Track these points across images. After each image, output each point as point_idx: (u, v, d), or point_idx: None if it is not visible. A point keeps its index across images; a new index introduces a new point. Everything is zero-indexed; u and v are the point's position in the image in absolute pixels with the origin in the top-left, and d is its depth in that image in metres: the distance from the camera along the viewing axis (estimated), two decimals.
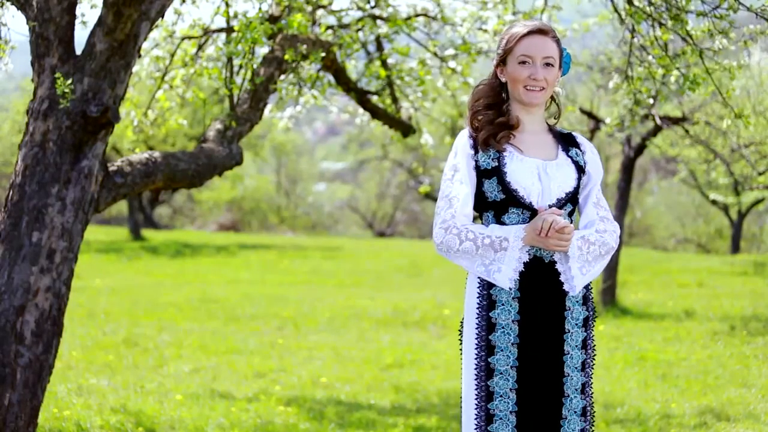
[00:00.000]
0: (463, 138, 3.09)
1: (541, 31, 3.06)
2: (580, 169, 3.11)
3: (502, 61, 3.11)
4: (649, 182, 32.57)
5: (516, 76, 3.06)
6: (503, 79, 3.12)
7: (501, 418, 3.00)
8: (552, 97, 3.18)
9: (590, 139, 12.50)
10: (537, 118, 3.13)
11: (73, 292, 6.01)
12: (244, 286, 14.53)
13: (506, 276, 2.99)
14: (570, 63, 3.15)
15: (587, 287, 3.12)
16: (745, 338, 8.93)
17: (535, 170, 3.04)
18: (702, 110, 11.04)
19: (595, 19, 7.92)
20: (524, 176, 3.02)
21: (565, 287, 3.04)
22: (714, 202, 24.28)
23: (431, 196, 29.50)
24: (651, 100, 5.63)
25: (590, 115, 12.07)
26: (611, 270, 11.51)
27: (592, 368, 3.12)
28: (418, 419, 6.00)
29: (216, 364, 7.80)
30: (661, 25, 4.97)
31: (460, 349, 3.11)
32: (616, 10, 5.26)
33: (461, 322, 3.14)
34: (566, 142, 3.16)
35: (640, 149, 11.71)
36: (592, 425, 3.10)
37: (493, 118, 3.08)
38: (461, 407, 3.11)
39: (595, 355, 3.15)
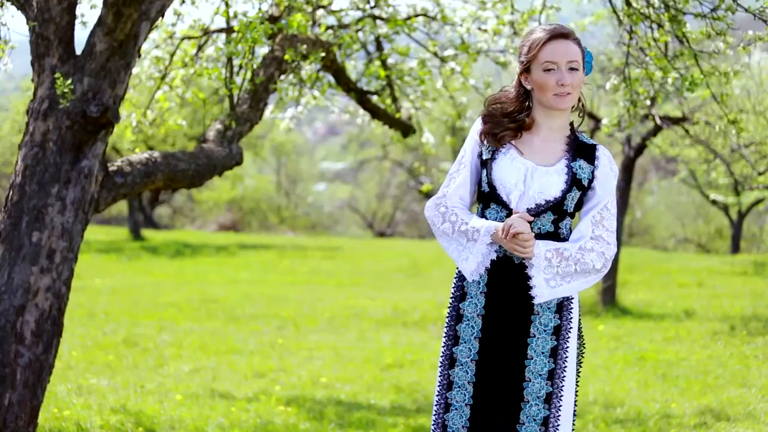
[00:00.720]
0: (477, 125, 3.15)
1: (562, 35, 3.04)
2: (576, 183, 3.05)
3: (526, 69, 3.08)
4: (649, 182, 32.57)
5: (543, 83, 3.03)
6: (528, 87, 3.10)
7: (456, 409, 3.05)
8: (579, 99, 3.15)
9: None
10: (559, 123, 3.09)
11: (73, 292, 6.01)
12: (244, 286, 14.53)
13: (471, 266, 3.06)
14: (592, 62, 3.13)
15: (568, 298, 3.07)
16: (745, 338, 8.93)
17: (522, 172, 3.03)
18: (702, 110, 11.04)
19: (591, 18, 7.91)
20: (509, 175, 3.04)
21: (533, 291, 3.03)
22: (714, 202, 24.28)
23: (431, 197, 29.47)
24: (648, 102, 5.62)
25: (590, 115, 12.07)
26: (611, 270, 11.50)
27: (563, 380, 3.03)
28: (418, 419, 6.00)
29: (216, 364, 7.80)
30: (659, 26, 4.97)
31: None
32: (614, 11, 5.26)
33: None
34: (581, 152, 3.09)
35: (640, 149, 11.71)
36: (558, 411, 3.02)
37: (506, 113, 3.10)
38: None
39: (566, 366, 3.04)
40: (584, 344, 3.18)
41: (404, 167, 31.66)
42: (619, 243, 11.80)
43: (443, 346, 3.11)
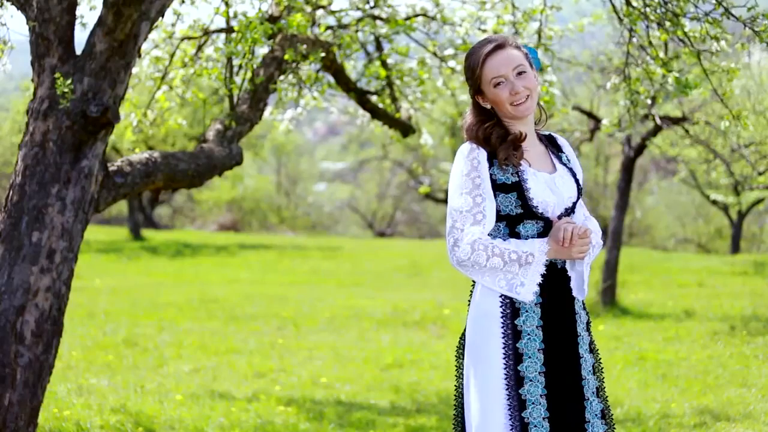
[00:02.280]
0: (478, 151, 3.01)
1: (499, 47, 3.02)
2: (574, 175, 3.14)
3: (478, 92, 3.07)
4: (649, 182, 32.57)
5: (497, 99, 3.02)
6: (487, 106, 3.08)
7: (536, 426, 2.95)
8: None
9: (590, 139, 12.51)
10: (529, 126, 3.10)
11: (73, 292, 6.01)
12: (244, 286, 14.54)
13: (530, 290, 2.98)
14: (537, 56, 3.11)
15: None
16: (745, 338, 8.93)
17: (546, 184, 3.04)
18: (702, 110, 11.04)
19: (590, 18, 7.92)
20: (541, 191, 3.01)
21: (575, 292, 3.05)
22: (714, 202, 24.28)
23: (431, 197, 29.51)
24: (649, 101, 5.62)
25: (590, 115, 12.07)
26: (611, 270, 11.51)
27: (602, 372, 3.13)
28: (418, 419, 6.00)
29: (216, 364, 7.80)
30: (658, 26, 4.97)
31: (460, 362, 3.09)
32: (615, 11, 5.26)
33: (462, 335, 3.12)
34: (554, 147, 3.19)
35: (640, 149, 11.71)
36: (613, 428, 3.09)
37: (505, 134, 3.04)
38: (461, 419, 3.08)
39: (600, 357, 3.16)
40: None
41: (404, 167, 31.66)
42: (619, 243, 11.81)
43: (504, 367, 2.98)
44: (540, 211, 3.00)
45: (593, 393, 3.05)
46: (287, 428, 5.66)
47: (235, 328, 9.94)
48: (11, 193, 4.30)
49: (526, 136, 3.06)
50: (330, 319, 10.76)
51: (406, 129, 6.98)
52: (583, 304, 3.13)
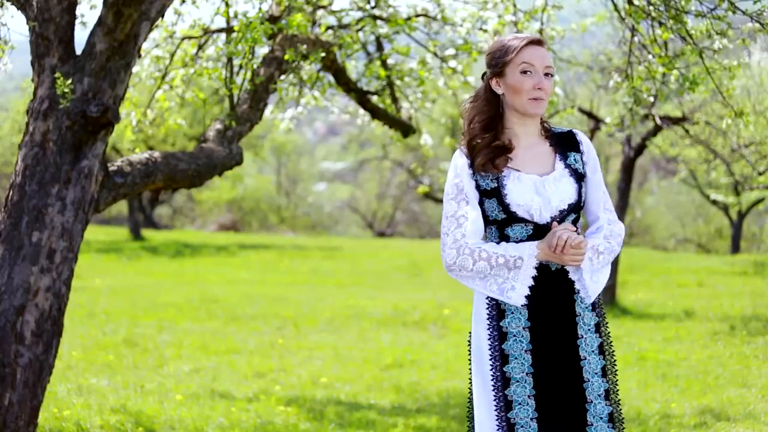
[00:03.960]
0: (461, 158, 3.07)
1: (539, 42, 3.05)
2: (580, 177, 3.08)
3: (498, 73, 3.07)
4: (649, 182, 32.57)
5: (519, 86, 3.02)
6: (500, 91, 3.08)
7: (522, 426, 2.97)
8: None
9: (590, 140, 12.50)
10: (533, 128, 3.10)
11: (73, 292, 6.01)
12: (244, 286, 14.53)
13: (520, 294, 2.99)
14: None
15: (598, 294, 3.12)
16: (745, 338, 8.93)
17: (532, 187, 3.02)
18: (702, 110, 11.04)
19: (593, 18, 7.92)
20: (522, 195, 3.01)
21: (581, 294, 3.04)
22: (714, 202, 24.28)
23: (431, 197, 29.52)
24: (651, 99, 5.62)
25: (590, 115, 12.07)
26: (611, 270, 11.49)
27: (615, 374, 3.08)
28: (418, 419, 6.00)
29: (216, 364, 7.80)
30: (660, 24, 4.97)
31: (470, 361, 3.11)
32: (616, 9, 5.26)
33: (470, 334, 3.13)
34: (565, 145, 3.11)
35: (640, 149, 11.71)
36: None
37: (489, 142, 3.05)
38: (472, 416, 3.11)
39: (614, 360, 3.11)
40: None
41: (404, 167, 31.66)
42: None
43: (491, 368, 3.02)
44: (521, 215, 3.00)
45: (599, 395, 3.01)
46: (287, 428, 5.65)
47: (235, 328, 9.94)
48: (11, 193, 4.30)
49: (512, 143, 3.06)
50: (330, 319, 10.76)
51: (406, 129, 6.98)
52: (593, 304, 3.08)
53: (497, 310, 3.02)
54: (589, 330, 3.05)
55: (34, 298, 4.22)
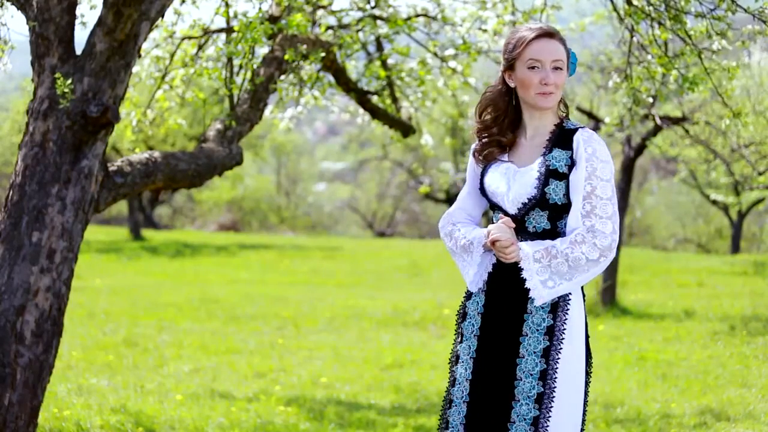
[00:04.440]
0: (472, 147, 3.26)
1: (548, 35, 3.05)
2: (554, 174, 3.00)
3: (510, 66, 3.09)
4: (649, 182, 32.57)
5: (526, 81, 3.04)
6: (512, 84, 3.11)
7: (456, 405, 3.09)
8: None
9: None
10: (544, 121, 3.11)
11: (73, 292, 6.00)
12: (244, 286, 14.53)
13: (470, 278, 3.15)
14: (576, 63, 3.14)
15: (563, 298, 3.01)
16: (745, 338, 8.93)
17: (504, 175, 3.11)
18: (702, 110, 11.04)
19: (592, 18, 7.92)
20: (494, 181, 3.14)
21: (531, 293, 3.01)
22: (714, 202, 24.28)
23: (431, 197, 29.52)
24: (651, 99, 5.62)
25: (590, 115, 12.07)
26: (611, 270, 11.50)
27: (554, 380, 2.97)
28: (418, 419, 6.00)
29: (216, 364, 7.80)
30: (660, 24, 4.97)
31: None
32: (615, 10, 5.26)
33: None
34: (558, 141, 3.05)
35: (640, 149, 11.71)
36: (548, 412, 2.96)
37: (494, 134, 3.16)
38: None
39: (557, 368, 2.97)
40: (590, 353, 3.10)
41: (404, 167, 31.66)
42: (620, 243, 11.80)
43: (453, 344, 3.19)
44: (495, 201, 3.13)
45: (528, 397, 2.97)
46: (287, 428, 5.65)
47: (235, 328, 9.94)
48: (11, 193, 4.30)
49: (513, 140, 3.14)
50: (330, 319, 10.76)
51: (406, 129, 6.98)
52: (554, 307, 3.00)
53: (467, 292, 3.18)
54: (536, 331, 3.00)
55: (34, 298, 4.22)
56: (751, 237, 29.79)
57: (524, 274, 3.01)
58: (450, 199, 28.12)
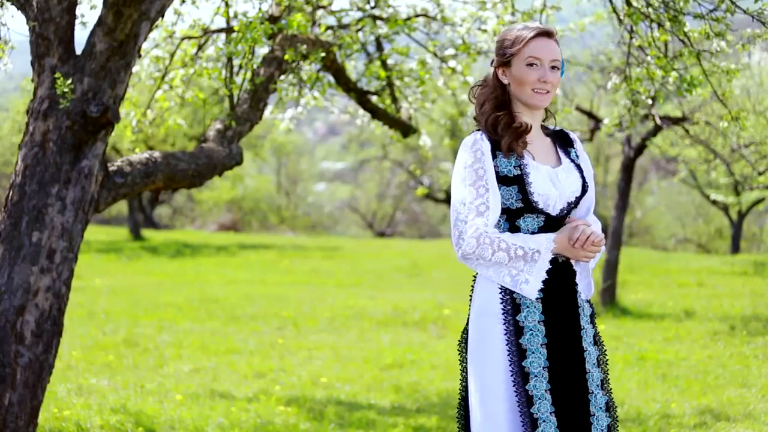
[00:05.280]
0: (482, 143, 3.00)
1: (547, 34, 3.05)
2: (581, 172, 3.13)
3: (505, 63, 3.07)
4: (649, 182, 32.57)
5: (524, 78, 3.02)
6: (505, 81, 3.08)
7: (544, 421, 2.94)
8: None
9: (590, 139, 12.51)
10: (536, 121, 3.11)
11: (73, 292, 6.01)
12: (244, 286, 14.53)
13: (534, 287, 2.97)
14: (565, 65, 3.15)
15: (591, 304, 3.18)
16: (745, 338, 8.93)
17: (548, 177, 3.03)
18: (702, 110, 11.04)
19: (592, 18, 7.91)
20: (542, 184, 3.00)
21: (581, 289, 3.07)
22: (714, 202, 24.28)
23: (431, 197, 29.50)
24: (650, 101, 5.62)
25: (590, 115, 12.07)
26: (611, 270, 11.51)
27: (607, 364, 3.12)
28: (418, 419, 6.00)
29: (216, 364, 7.80)
30: (659, 26, 4.97)
31: (462, 360, 3.11)
32: (614, 11, 5.26)
33: (464, 330, 3.13)
34: (562, 142, 3.17)
35: (640, 149, 11.71)
36: (616, 421, 3.08)
37: (510, 122, 3.03)
38: (462, 415, 3.11)
39: (605, 350, 3.16)
40: None
41: (404, 167, 31.66)
42: (619, 243, 11.81)
43: (509, 363, 2.97)
44: (540, 205, 2.99)
45: (597, 386, 3.05)
46: (287, 428, 5.66)
47: (235, 328, 9.94)
48: (11, 193, 4.30)
49: (531, 127, 3.05)
50: (330, 319, 10.76)
51: (406, 129, 6.98)
52: (593, 314, 3.15)
53: (512, 305, 2.98)
54: (587, 321, 3.09)
55: (34, 298, 4.22)
56: (751, 237, 29.79)
57: (584, 269, 3.08)
58: (450, 199, 28.08)
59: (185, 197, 34.93)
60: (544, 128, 3.17)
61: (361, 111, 7.29)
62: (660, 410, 6.15)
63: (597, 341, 3.11)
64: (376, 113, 6.79)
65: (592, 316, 3.13)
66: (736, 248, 24.74)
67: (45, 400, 5.15)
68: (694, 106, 11.06)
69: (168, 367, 7.58)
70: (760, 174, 12.05)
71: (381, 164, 34.29)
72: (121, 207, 29.56)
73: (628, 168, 11.73)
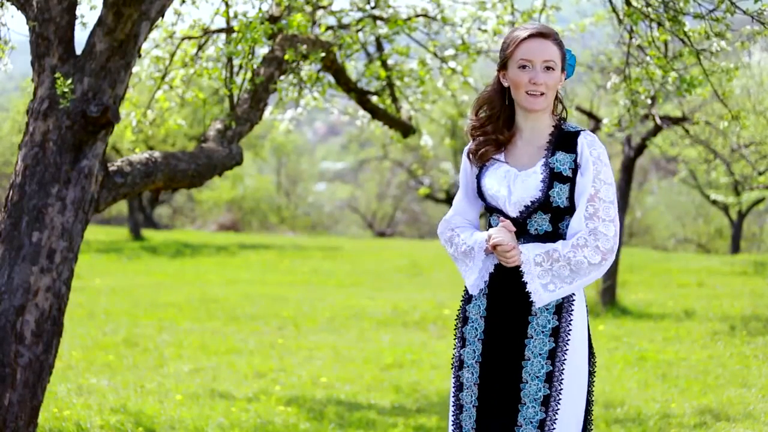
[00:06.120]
0: (466, 150, 3.22)
1: (541, 35, 3.02)
2: (557, 177, 3.00)
3: (504, 66, 3.09)
4: (649, 182, 32.57)
5: (517, 80, 3.03)
6: (506, 84, 3.10)
7: (467, 410, 3.08)
8: (556, 97, 3.10)
9: None
10: (539, 123, 3.08)
11: (73, 292, 6.01)
12: (244, 286, 14.53)
13: (471, 283, 3.13)
14: (575, 65, 3.11)
15: (567, 299, 3.02)
16: (745, 338, 8.93)
17: (504, 178, 3.07)
18: (702, 110, 11.04)
19: (592, 18, 7.92)
20: (494, 184, 3.09)
21: (532, 296, 3.01)
22: (714, 202, 24.27)
23: (431, 197, 29.51)
24: (649, 101, 5.62)
25: (590, 115, 12.07)
26: (611, 270, 11.50)
27: (561, 382, 2.98)
28: (418, 419, 6.00)
29: (216, 364, 7.80)
30: (659, 25, 4.97)
31: None
32: (614, 11, 5.26)
33: None
34: (560, 144, 3.04)
35: (640, 149, 11.71)
36: (556, 413, 2.97)
37: (489, 133, 3.13)
38: None
39: (564, 369, 2.98)
40: (593, 353, 3.11)
41: (404, 167, 31.65)
42: (620, 243, 11.79)
43: (454, 349, 3.16)
44: (492, 204, 3.10)
45: (535, 399, 2.98)
46: (287, 428, 5.66)
47: (235, 328, 9.94)
48: (11, 193, 4.30)
49: (511, 137, 3.11)
50: (330, 319, 10.76)
51: (406, 129, 6.98)
52: (558, 308, 3.01)
53: (467, 295, 3.16)
54: (542, 332, 3.00)
55: (34, 298, 4.22)
56: (751, 237, 29.78)
57: (525, 278, 3.00)
58: (450, 199, 28.13)
59: (185, 197, 34.93)
60: (556, 128, 3.08)
61: (361, 111, 7.29)
62: (660, 410, 6.15)
63: (554, 356, 2.98)
64: (376, 113, 6.79)
65: (557, 330, 2.99)
66: (736, 248, 24.73)
67: (45, 400, 5.15)
68: (694, 106, 11.07)
69: (168, 367, 7.58)
70: (760, 174, 12.05)
71: (381, 164, 34.29)
72: (121, 207, 29.56)
73: (628, 168, 11.73)
